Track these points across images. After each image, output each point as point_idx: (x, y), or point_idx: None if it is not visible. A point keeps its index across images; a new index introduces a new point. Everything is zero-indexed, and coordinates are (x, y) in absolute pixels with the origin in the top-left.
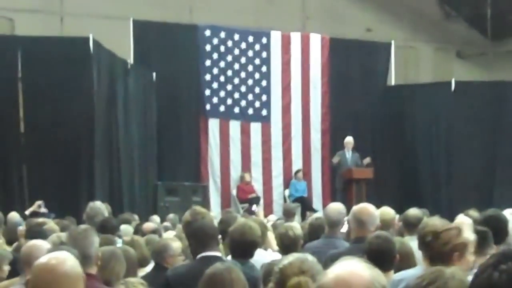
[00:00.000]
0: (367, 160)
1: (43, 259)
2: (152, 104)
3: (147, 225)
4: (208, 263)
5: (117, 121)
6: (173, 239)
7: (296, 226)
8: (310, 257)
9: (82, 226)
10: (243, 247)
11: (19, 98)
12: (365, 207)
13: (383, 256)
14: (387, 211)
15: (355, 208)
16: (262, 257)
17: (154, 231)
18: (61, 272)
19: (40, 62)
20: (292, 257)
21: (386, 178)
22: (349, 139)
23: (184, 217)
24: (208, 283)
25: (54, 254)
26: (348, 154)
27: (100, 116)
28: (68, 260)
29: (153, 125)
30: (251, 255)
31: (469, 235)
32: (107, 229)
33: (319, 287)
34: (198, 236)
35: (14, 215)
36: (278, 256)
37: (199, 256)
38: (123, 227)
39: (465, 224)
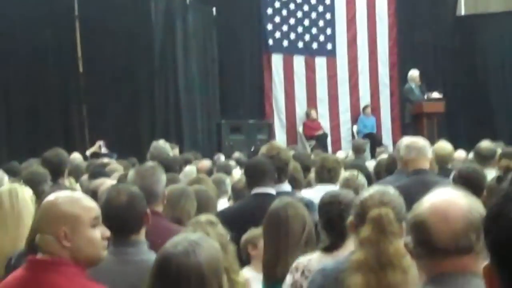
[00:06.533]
0: (435, 94)
1: (49, 196)
2: (212, 40)
3: (202, 164)
4: (258, 200)
5: (176, 58)
6: None
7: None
8: (391, 190)
9: (149, 163)
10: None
11: (77, 37)
12: (417, 139)
13: (471, 186)
14: (444, 146)
15: (408, 140)
16: None
17: (210, 170)
18: (55, 210)
19: None
20: (373, 189)
21: (458, 112)
22: (413, 73)
23: (260, 151)
24: (267, 222)
25: (61, 193)
26: (415, 87)
27: (159, 53)
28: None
29: (214, 62)
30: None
31: None
32: (167, 168)
33: (414, 217)
34: (249, 172)
35: (76, 156)
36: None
37: (252, 193)
38: (188, 168)
39: None
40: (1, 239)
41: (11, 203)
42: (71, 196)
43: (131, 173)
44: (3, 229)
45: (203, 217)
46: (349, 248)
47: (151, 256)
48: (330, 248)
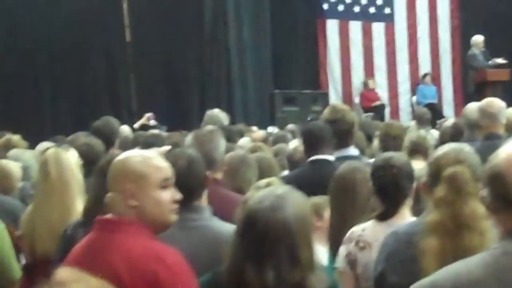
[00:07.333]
0: (499, 60)
1: (121, 154)
2: (264, 7)
3: (257, 135)
4: (315, 168)
5: (228, 26)
6: None
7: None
8: (466, 147)
9: (208, 128)
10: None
11: (124, 5)
12: (493, 100)
13: None
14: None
15: (483, 103)
16: None
17: (265, 141)
18: (124, 167)
19: None
20: (447, 147)
21: None
22: (477, 39)
23: (323, 115)
24: (333, 187)
25: (133, 151)
26: (479, 53)
27: (210, 22)
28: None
29: (267, 29)
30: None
31: None
32: (225, 137)
33: (490, 169)
34: (306, 139)
35: (124, 128)
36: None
37: (308, 160)
38: (242, 139)
39: None
40: (49, 210)
41: (58, 172)
42: (142, 155)
43: (189, 138)
44: (50, 200)
45: (264, 182)
46: (405, 216)
47: (215, 222)
48: (384, 216)
